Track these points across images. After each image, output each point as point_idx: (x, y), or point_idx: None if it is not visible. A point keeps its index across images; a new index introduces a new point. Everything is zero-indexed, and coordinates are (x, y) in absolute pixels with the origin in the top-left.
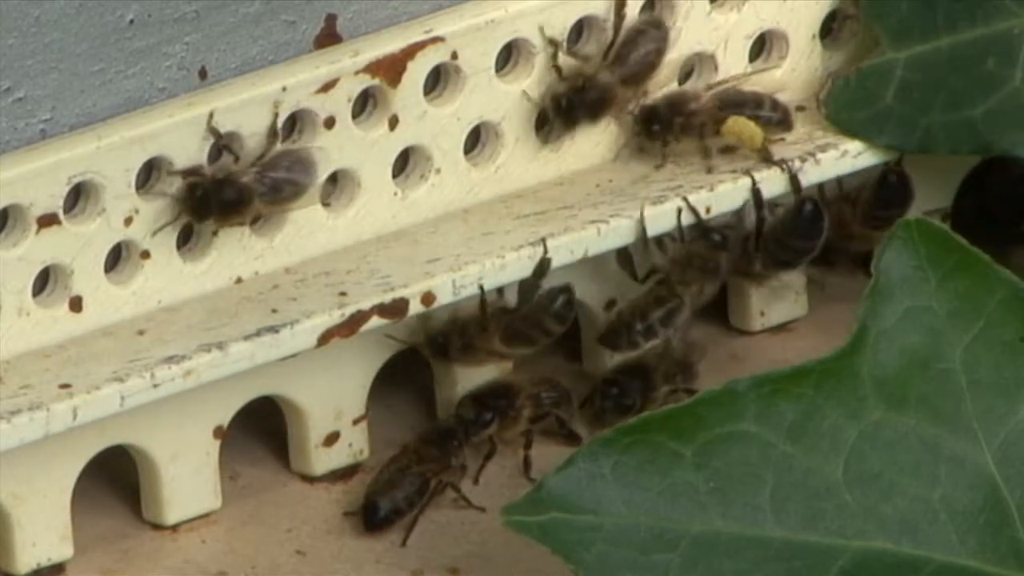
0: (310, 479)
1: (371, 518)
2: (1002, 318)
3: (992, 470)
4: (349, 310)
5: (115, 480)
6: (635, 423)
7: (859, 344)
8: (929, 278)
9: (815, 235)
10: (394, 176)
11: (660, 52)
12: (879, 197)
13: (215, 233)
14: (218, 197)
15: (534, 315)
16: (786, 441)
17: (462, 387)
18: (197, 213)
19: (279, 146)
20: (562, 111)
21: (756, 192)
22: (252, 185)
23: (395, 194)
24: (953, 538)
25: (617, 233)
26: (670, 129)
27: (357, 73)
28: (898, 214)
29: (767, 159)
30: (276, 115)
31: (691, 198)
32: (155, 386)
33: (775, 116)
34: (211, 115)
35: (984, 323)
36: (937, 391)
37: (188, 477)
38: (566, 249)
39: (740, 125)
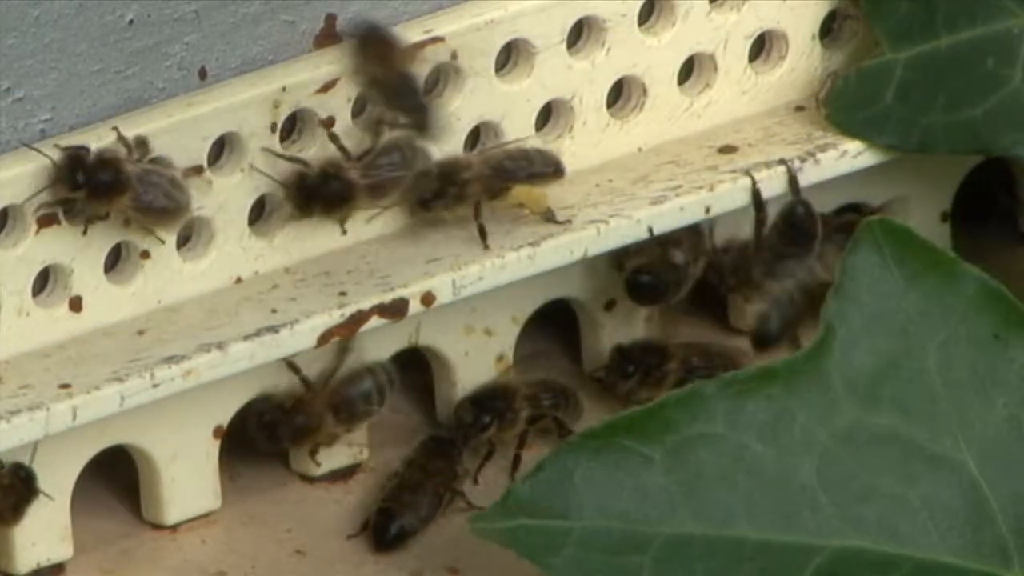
0: (310, 479)
1: (385, 539)
2: (974, 315)
3: (972, 468)
4: (349, 310)
5: (115, 480)
6: (601, 428)
7: (826, 345)
8: (896, 278)
9: (807, 241)
10: None
11: (409, 167)
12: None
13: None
14: (93, 177)
15: (372, 375)
16: (757, 442)
17: (462, 387)
18: (71, 182)
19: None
20: (301, 194)
21: (756, 192)
22: (131, 179)
23: None
24: (934, 536)
25: (617, 233)
26: (443, 199)
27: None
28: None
29: (551, 219)
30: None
31: (691, 198)
32: (155, 386)
33: (548, 169)
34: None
35: (956, 321)
36: (911, 391)
37: (188, 477)
38: (566, 249)
39: (523, 194)
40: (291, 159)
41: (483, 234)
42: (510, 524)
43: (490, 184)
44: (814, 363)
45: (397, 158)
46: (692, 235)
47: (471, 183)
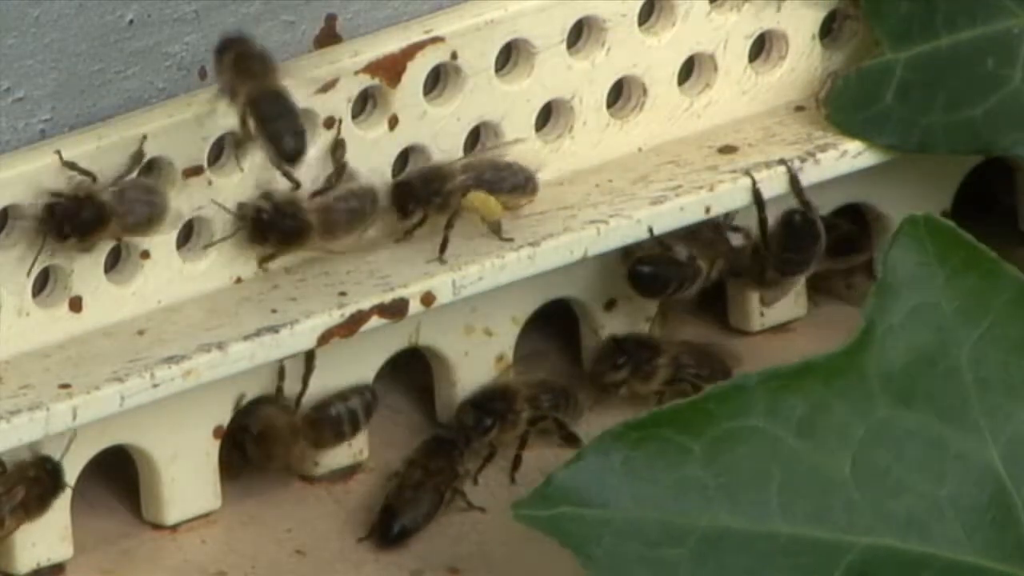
0: (310, 479)
1: (390, 536)
2: (1010, 316)
3: (999, 468)
4: (349, 310)
5: (115, 480)
6: (644, 418)
7: (866, 340)
8: (937, 275)
9: (809, 244)
10: (393, 176)
11: (364, 217)
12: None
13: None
14: (77, 217)
15: (344, 401)
16: (795, 436)
17: (461, 387)
18: (58, 233)
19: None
20: (258, 224)
21: (756, 192)
22: (111, 205)
23: None
24: (960, 536)
25: (617, 233)
26: (428, 206)
27: (357, 73)
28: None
29: (497, 232)
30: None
31: (691, 198)
32: (155, 386)
33: (528, 185)
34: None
35: (991, 321)
36: (944, 388)
37: (188, 477)
38: (566, 249)
39: (479, 200)
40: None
41: (443, 246)
42: (552, 512)
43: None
44: (853, 357)
45: (355, 204)
46: (708, 231)
47: (454, 194)
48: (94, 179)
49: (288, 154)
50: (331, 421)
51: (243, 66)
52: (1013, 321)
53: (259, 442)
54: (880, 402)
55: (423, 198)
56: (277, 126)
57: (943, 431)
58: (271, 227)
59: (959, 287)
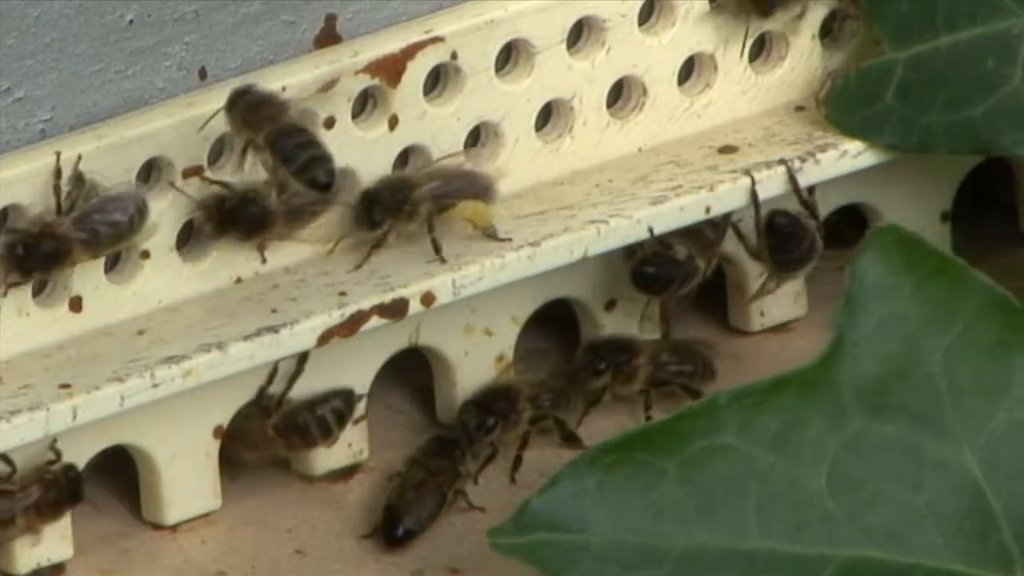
0: (310, 479)
1: (395, 536)
2: (979, 322)
3: (976, 474)
4: (349, 310)
5: (115, 480)
6: (617, 440)
7: (837, 353)
8: (904, 285)
9: (797, 244)
10: None
11: (328, 203)
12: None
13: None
14: (35, 253)
15: (313, 409)
16: (769, 452)
17: (461, 387)
18: (21, 269)
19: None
20: (220, 217)
21: (753, 194)
22: (70, 234)
23: None
24: (939, 543)
25: (617, 233)
26: (397, 215)
27: (357, 73)
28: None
29: (493, 236)
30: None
31: (691, 198)
32: (155, 386)
33: (488, 193)
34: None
35: (962, 328)
36: (917, 397)
37: (188, 477)
38: (566, 249)
39: (471, 209)
40: (219, 183)
41: (437, 248)
42: (529, 539)
43: (439, 201)
44: (825, 371)
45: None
46: (709, 230)
47: (423, 202)
48: (65, 209)
49: (321, 185)
50: (299, 428)
51: (254, 115)
52: (983, 327)
53: (231, 442)
54: (854, 414)
55: (392, 207)
56: (302, 161)
57: (918, 440)
58: (235, 216)
59: (927, 295)
